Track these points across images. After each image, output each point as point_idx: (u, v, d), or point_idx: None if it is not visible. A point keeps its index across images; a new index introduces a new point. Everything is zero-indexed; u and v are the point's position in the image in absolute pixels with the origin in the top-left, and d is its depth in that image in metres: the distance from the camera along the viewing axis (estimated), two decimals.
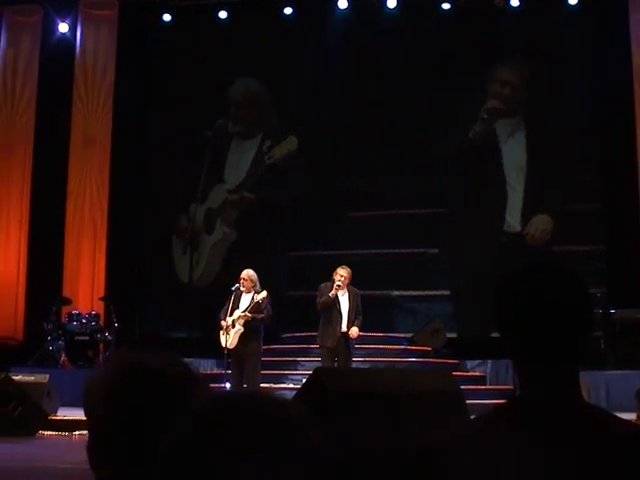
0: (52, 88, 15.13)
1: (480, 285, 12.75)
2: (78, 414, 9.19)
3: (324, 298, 10.13)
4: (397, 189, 14.40)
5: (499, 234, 14.14)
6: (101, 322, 13.69)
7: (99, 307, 14.17)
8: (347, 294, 10.18)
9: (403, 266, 14.19)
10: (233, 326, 9.89)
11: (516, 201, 14.23)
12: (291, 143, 15.01)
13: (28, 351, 13.46)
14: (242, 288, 10.07)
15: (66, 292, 14.39)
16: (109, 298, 14.18)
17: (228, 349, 9.93)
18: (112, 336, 13.32)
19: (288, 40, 15.02)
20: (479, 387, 11.98)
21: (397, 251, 14.32)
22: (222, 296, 10.46)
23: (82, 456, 1.42)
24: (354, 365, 10.58)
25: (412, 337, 13.15)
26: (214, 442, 0.96)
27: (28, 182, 15.12)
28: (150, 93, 15.75)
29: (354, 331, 10.10)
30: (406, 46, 14.61)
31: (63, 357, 13.20)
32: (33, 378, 10.54)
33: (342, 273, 10.14)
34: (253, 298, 9.94)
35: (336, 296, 10.09)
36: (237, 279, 10.20)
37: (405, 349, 12.89)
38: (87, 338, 13.36)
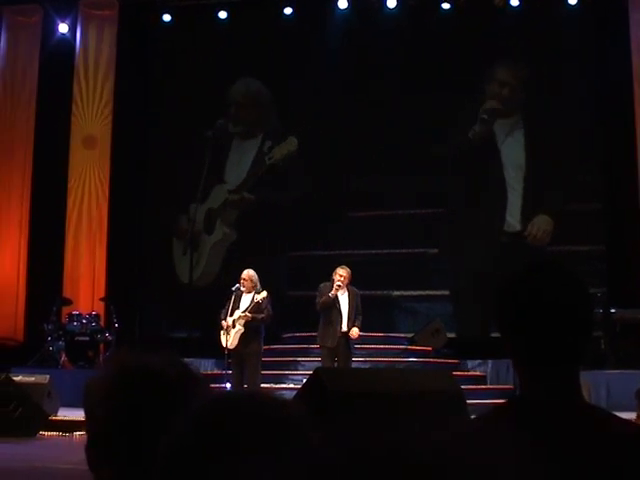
0: (52, 88, 15.13)
1: (480, 285, 12.75)
2: (78, 414, 9.18)
3: (324, 298, 10.13)
4: (397, 189, 14.39)
5: (499, 234, 14.14)
6: (101, 322, 13.69)
7: (99, 307, 14.17)
8: (347, 294, 10.18)
9: (403, 266, 14.19)
10: (233, 326, 9.89)
11: (516, 201, 14.23)
12: (291, 144, 15.01)
13: (28, 352, 13.46)
14: (242, 288, 10.07)
15: (66, 292, 14.39)
16: (109, 298, 14.19)
17: (228, 349, 9.93)
18: (112, 336, 13.32)
19: (288, 40, 15.02)
20: (479, 387, 11.98)
21: (397, 251, 14.33)
22: (222, 296, 10.46)
23: (82, 456, 1.42)
24: (354, 365, 10.59)
25: (412, 337, 13.15)
26: (214, 442, 0.96)
27: (28, 182, 15.13)
28: (150, 93, 15.75)
29: (355, 332, 10.10)
30: (406, 46, 14.60)
31: (63, 357, 13.20)
32: (33, 379, 10.54)
33: (342, 273, 10.14)
34: (253, 298, 9.93)
35: (336, 296, 10.09)
36: (237, 279, 10.20)
37: (405, 349, 12.89)
38: (87, 338, 13.36)
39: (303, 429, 0.98)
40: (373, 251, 14.31)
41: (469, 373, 12.64)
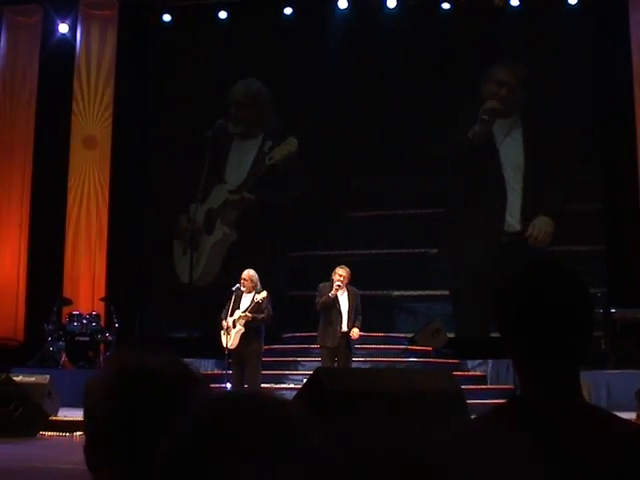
0: (52, 88, 15.13)
1: (480, 285, 12.75)
2: (79, 415, 9.17)
3: (324, 298, 10.12)
4: (397, 189, 14.39)
5: (499, 234, 14.14)
6: (102, 322, 13.69)
7: (99, 307, 14.17)
8: (346, 294, 10.18)
9: (403, 266, 14.19)
10: (234, 326, 9.89)
11: (515, 201, 14.24)
12: (291, 144, 15.01)
13: (29, 352, 13.46)
14: (242, 288, 10.06)
15: (66, 292, 14.39)
16: (109, 298, 14.19)
17: (229, 349, 9.93)
18: (113, 336, 13.32)
19: (288, 40, 15.02)
20: (480, 387, 11.98)
21: (397, 251, 14.33)
22: (222, 296, 10.46)
23: (82, 457, 1.42)
24: (354, 365, 10.58)
25: (413, 337, 13.15)
26: (214, 442, 0.96)
27: (28, 182, 15.13)
28: (150, 93, 15.75)
29: (355, 332, 10.09)
30: (406, 46, 14.60)
31: (64, 358, 13.21)
32: (34, 379, 10.54)
33: (341, 273, 10.14)
34: (253, 298, 9.93)
35: (336, 296, 10.09)
36: (237, 279, 10.20)
37: (406, 349, 12.90)
38: (88, 339, 13.36)
39: (303, 429, 0.98)
40: (373, 251, 14.31)
41: (469, 373, 12.64)
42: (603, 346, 12.03)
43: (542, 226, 13.98)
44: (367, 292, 11.71)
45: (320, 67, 14.70)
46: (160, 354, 1.42)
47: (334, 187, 14.66)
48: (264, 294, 9.91)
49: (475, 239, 14.03)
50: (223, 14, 15.34)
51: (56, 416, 10.36)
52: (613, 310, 12.28)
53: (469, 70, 14.39)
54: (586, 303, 1.55)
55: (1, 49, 15.55)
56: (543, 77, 14.33)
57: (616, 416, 1.53)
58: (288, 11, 15.08)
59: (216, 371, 11.94)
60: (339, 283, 10.07)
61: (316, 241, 14.55)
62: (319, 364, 10.04)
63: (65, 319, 13.68)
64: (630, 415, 8.69)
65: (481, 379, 12.52)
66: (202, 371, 10.80)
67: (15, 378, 10.35)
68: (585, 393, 1.56)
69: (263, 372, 10.31)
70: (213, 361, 12.55)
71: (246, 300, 10.02)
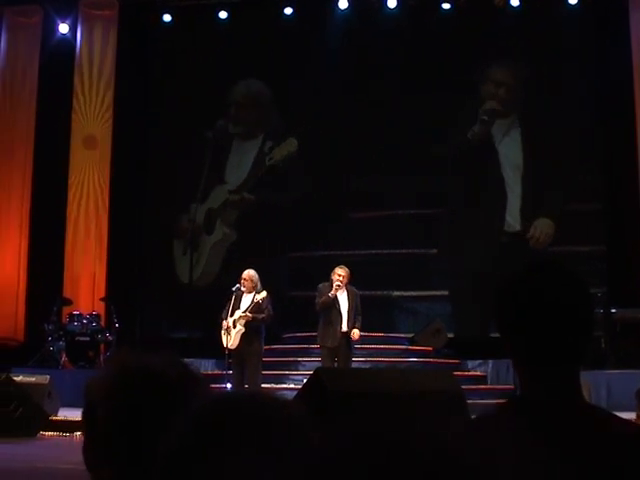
0: (52, 88, 15.13)
1: (480, 285, 12.74)
2: (79, 415, 9.16)
3: (324, 298, 10.12)
4: (397, 189, 14.39)
5: (499, 234, 14.14)
6: (102, 322, 13.69)
7: (100, 307, 14.16)
8: (346, 294, 10.17)
9: (403, 266, 14.18)
10: (234, 326, 9.89)
11: (515, 201, 14.24)
12: (291, 145, 15.01)
13: (29, 352, 13.45)
14: (243, 288, 10.06)
15: (67, 292, 14.39)
16: (110, 298, 14.18)
17: (229, 349, 9.93)
18: (113, 336, 13.32)
19: (288, 40, 15.02)
20: (480, 387, 11.98)
21: (397, 251, 14.32)
22: (222, 296, 10.45)
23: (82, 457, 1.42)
24: (354, 365, 10.58)
25: (413, 337, 13.15)
26: (214, 442, 0.96)
27: (28, 182, 15.13)
28: (150, 93, 15.75)
29: (356, 333, 10.09)
30: (406, 46, 14.60)
31: (64, 358, 13.20)
32: (34, 379, 10.54)
33: (340, 273, 10.13)
34: (254, 298, 9.93)
35: (335, 296, 10.08)
36: (237, 279, 10.19)
37: (406, 349, 12.89)
38: (88, 339, 13.35)
39: (303, 429, 0.98)
40: (373, 251, 14.30)
41: (469, 373, 12.64)
42: (603, 346, 12.03)
43: (543, 228, 13.98)
44: (367, 292, 11.71)
45: (320, 67, 14.69)
46: (160, 354, 1.42)
47: (334, 187, 14.66)
48: (264, 294, 9.91)
49: (475, 239, 14.03)
50: (223, 14, 15.34)
51: (56, 416, 10.36)
52: (613, 310, 12.28)
53: (469, 70, 14.39)
54: (586, 303, 1.55)
55: (1, 49, 15.55)
56: (543, 77, 14.33)
57: (616, 416, 1.53)
58: (288, 11, 15.08)
59: (216, 371, 11.93)
60: (339, 283, 10.06)
61: (316, 241, 14.54)
62: (319, 364, 10.04)
63: (65, 319, 13.68)
64: (630, 415, 8.69)
65: (481, 379, 12.52)
66: (202, 371, 10.79)
67: (15, 378, 10.35)
68: (585, 393, 1.56)
69: (263, 372, 10.31)
70: (213, 361, 12.54)
71: (246, 300, 10.01)
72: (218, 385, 9.82)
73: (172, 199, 15.13)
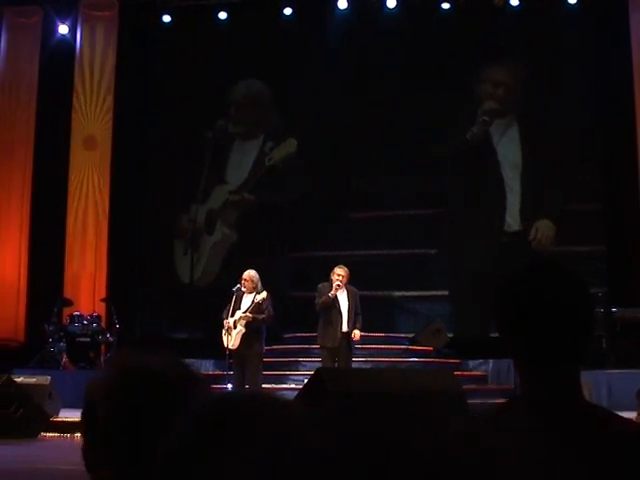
0: (52, 89, 15.14)
1: (480, 285, 12.74)
2: (80, 416, 9.17)
3: (324, 298, 10.11)
4: (397, 189, 14.39)
5: (499, 234, 14.14)
6: (102, 323, 13.68)
7: (100, 308, 14.16)
8: (346, 293, 10.17)
9: (404, 266, 14.18)
10: (235, 327, 9.89)
11: (514, 200, 14.24)
12: (290, 145, 15.01)
13: (29, 353, 13.45)
14: (243, 289, 10.06)
15: (67, 293, 14.39)
16: (110, 299, 14.18)
17: (230, 350, 9.93)
18: (113, 337, 13.31)
19: (288, 40, 15.02)
20: (480, 387, 11.98)
21: (397, 252, 14.32)
22: (223, 297, 10.45)
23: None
24: (355, 365, 10.58)
25: (413, 337, 13.15)
26: (214, 442, 0.96)
27: (29, 183, 15.13)
28: (150, 94, 15.74)
29: (357, 334, 10.09)
30: (406, 46, 14.60)
31: (64, 358, 13.20)
32: (35, 380, 10.54)
33: (340, 272, 10.13)
34: (254, 299, 9.93)
35: (335, 296, 10.08)
36: (238, 280, 10.19)
37: (406, 349, 12.89)
38: (88, 339, 13.35)
39: (304, 429, 0.98)
40: (374, 252, 14.30)
41: (470, 373, 12.64)
42: (604, 345, 12.03)
43: (545, 230, 13.98)
44: (368, 293, 11.71)
45: (320, 67, 14.69)
46: (160, 355, 1.42)
47: (334, 187, 14.65)
48: (264, 294, 9.91)
49: (475, 239, 14.03)
50: (223, 14, 15.34)
51: (57, 417, 10.36)
52: (614, 310, 12.28)
53: (469, 70, 14.40)
54: (586, 303, 1.55)
55: (1, 50, 15.55)
56: (543, 77, 14.33)
57: (617, 415, 1.53)
58: (288, 11, 15.08)
59: (217, 372, 11.93)
60: (338, 283, 10.06)
61: (316, 242, 14.54)
62: (320, 364, 10.04)
63: (66, 320, 13.68)
64: (631, 414, 8.69)
65: (482, 379, 12.52)
66: (203, 372, 10.80)
67: (16, 379, 10.35)
68: (586, 393, 1.56)
69: (264, 372, 10.31)
70: (214, 362, 12.53)
71: (247, 300, 10.01)
72: (219, 385, 9.83)
73: (172, 199, 15.13)
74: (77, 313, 13.68)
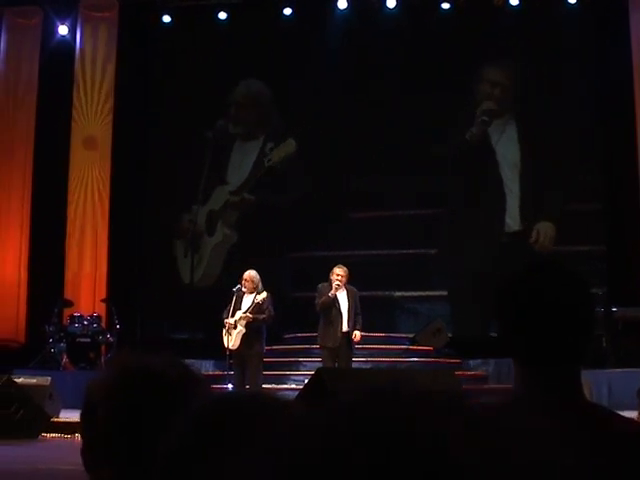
0: (52, 89, 15.14)
1: (481, 285, 12.74)
2: (79, 416, 9.16)
3: (323, 298, 10.11)
4: (397, 189, 14.39)
5: (499, 234, 14.14)
6: (103, 324, 13.68)
7: (101, 309, 14.16)
8: (345, 293, 10.16)
9: (404, 267, 14.18)
10: (235, 327, 9.89)
11: (513, 200, 14.24)
12: (289, 146, 15.01)
13: (30, 353, 13.45)
14: (243, 289, 10.06)
15: (67, 294, 14.39)
16: (110, 300, 14.18)
17: (230, 350, 9.93)
18: (114, 338, 13.31)
19: (288, 41, 15.01)
20: (481, 387, 11.97)
21: (398, 252, 14.31)
22: (223, 297, 10.45)
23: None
24: (355, 365, 10.58)
25: (414, 337, 13.14)
26: (214, 442, 0.96)
27: (29, 183, 15.12)
28: (150, 94, 15.74)
29: (357, 335, 10.09)
30: (406, 46, 14.60)
31: (65, 359, 13.20)
32: (35, 380, 10.54)
33: (339, 272, 10.13)
34: (254, 299, 9.93)
35: (335, 296, 10.08)
36: (238, 280, 10.19)
37: (407, 349, 12.89)
38: (89, 340, 13.35)
39: (304, 429, 0.98)
40: (374, 252, 14.29)
41: (470, 373, 12.63)
42: (604, 345, 12.03)
43: (547, 231, 13.97)
44: (368, 293, 11.71)
45: (320, 67, 14.69)
46: (161, 355, 1.42)
47: (334, 187, 14.65)
48: (264, 295, 9.91)
49: (475, 239, 14.03)
50: (223, 15, 15.33)
51: (57, 418, 10.36)
52: (614, 309, 12.28)
53: (469, 70, 14.40)
54: (586, 303, 1.55)
55: (1, 51, 15.55)
56: (543, 77, 14.33)
57: (618, 415, 1.53)
58: (288, 11, 15.07)
59: (217, 372, 11.93)
60: (338, 283, 10.06)
61: (317, 242, 14.53)
62: (320, 364, 10.04)
63: (66, 320, 13.68)
64: (632, 414, 8.69)
65: (482, 379, 12.52)
66: (203, 372, 10.80)
67: (16, 380, 10.35)
68: (586, 392, 1.56)
69: (264, 373, 10.31)
70: (214, 362, 12.52)
71: (247, 301, 10.01)
72: (219, 385, 9.82)
73: (172, 199, 15.13)
74: (77, 314, 13.68)
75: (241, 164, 15.34)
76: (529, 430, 1.43)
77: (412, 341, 13.08)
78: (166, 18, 15.59)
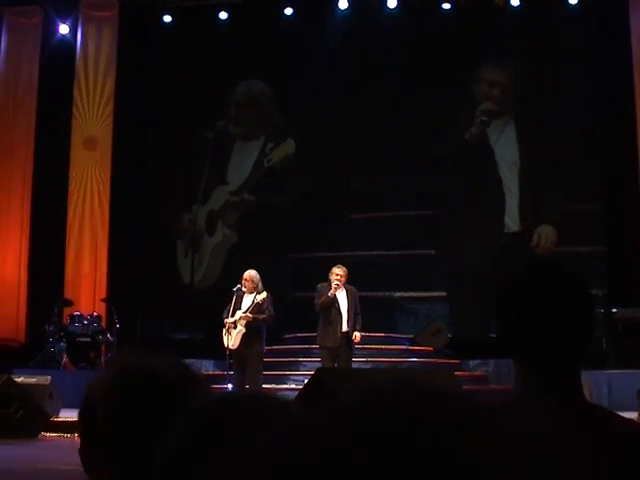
0: (53, 89, 15.14)
1: (481, 285, 12.73)
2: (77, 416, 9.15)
3: (323, 298, 10.11)
4: (397, 189, 14.39)
5: (499, 234, 14.14)
6: (103, 323, 13.68)
7: (101, 308, 14.16)
8: (345, 293, 10.16)
9: (405, 267, 14.18)
10: (235, 327, 9.89)
11: (513, 201, 14.24)
12: (289, 146, 15.01)
13: (30, 353, 13.45)
14: (243, 289, 10.06)
15: (67, 293, 14.39)
16: (110, 299, 14.18)
17: (230, 349, 9.93)
18: (114, 337, 13.31)
19: (288, 41, 15.02)
20: (481, 387, 11.97)
21: (398, 252, 14.31)
22: (223, 297, 10.45)
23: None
24: (355, 365, 10.57)
25: (414, 337, 13.14)
26: (214, 442, 0.96)
27: (29, 183, 15.13)
28: (151, 94, 15.75)
29: (357, 336, 10.09)
30: (406, 46, 14.60)
31: (65, 358, 13.20)
32: (35, 380, 10.54)
33: (338, 272, 10.12)
34: (254, 299, 9.93)
35: (335, 295, 10.08)
36: (238, 280, 10.19)
37: (407, 349, 12.89)
38: (89, 339, 13.35)
39: (304, 429, 0.98)
40: (374, 252, 14.29)
41: (470, 373, 12.63)
42: (604, 345, 12.03)
43: (548, 235, 13.96)
44: (368, 293, 11.70)
45: (320, 67, 14.69)
46: (161, 355, 1.42)
47: (334, 187, 14.65)
48: (264, 295, 9.91)
49: (475, 239, 14.02)
50: (223, 15, 15.34)
51: (57, 417, 10.36)
52: (614, 310, 12.28)
53: (469, 70, 14.40)
54: (586, 303, 1.55)
55: (2, 50, 15.55)
56: (543, 77, 14.33)
57: (618, 415, 1.53)
58: (289, 11, 15.08)
59: (217, 372, 11.93)
60: (337, 282, 10.05)
61: (317, 242, 14.53)
62: (320, 364, 10.03)
63: (66, 320, 13.68)
64: (632, 415, 8.69)
65: (482, 379, 12.51)
66: (203, 372, 10.79)
67: (16, 379, 10.35)
68: (586, 393, 1.56)
69: (264, 372, 10.30)
70: (214, 362, 12.52)
71: (247, 301, 10.01)
72: (219, 385, 9.82)
73: (172, 199, 15.13)
74: (77, 313, 13.68)
75: (241, 164, 15.34)
76: (529, 430, 1.43)
77: (412, 341, 13.08)
78: (167, 18, 15.59)
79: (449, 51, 14.40)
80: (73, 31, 15.45)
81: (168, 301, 14.82)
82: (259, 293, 9.94)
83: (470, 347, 12.77)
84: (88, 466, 1.41)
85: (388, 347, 12.71)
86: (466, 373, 12.41)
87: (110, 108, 15.18)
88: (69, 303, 14.04)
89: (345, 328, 10.03)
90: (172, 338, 14.39)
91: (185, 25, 15.56)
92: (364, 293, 10.80)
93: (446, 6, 14.64)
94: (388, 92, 14.46)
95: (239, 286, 10.08)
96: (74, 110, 15.14)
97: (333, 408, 0.74)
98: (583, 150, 14.05)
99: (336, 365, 10.01)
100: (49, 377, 10.67)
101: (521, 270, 1.57)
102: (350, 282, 10.30)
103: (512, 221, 14.19)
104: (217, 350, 10.52)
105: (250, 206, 15.10)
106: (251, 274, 10.07)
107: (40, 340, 13.45)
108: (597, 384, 10.90)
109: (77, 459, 1.48)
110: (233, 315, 9.93)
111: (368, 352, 11.91)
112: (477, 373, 12.72)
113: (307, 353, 12.12)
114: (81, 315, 13.63)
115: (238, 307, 9.98)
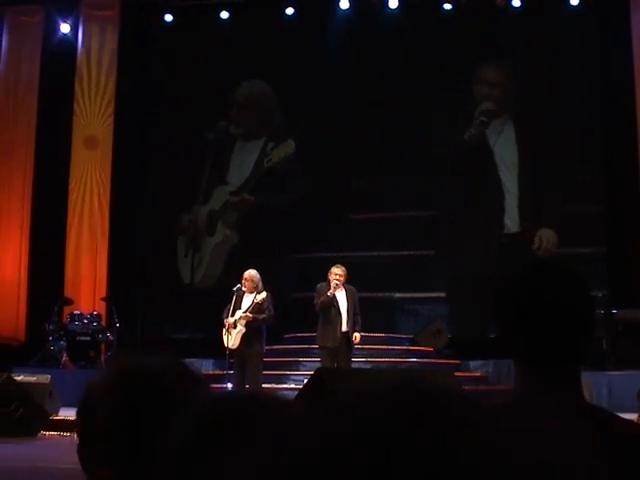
0: (54, 88, 15.14)
1: (480, 286, 12.73)
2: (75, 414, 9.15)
3: (322, 298, 10.10)
4: (397, 189, 14.39)
5: (499, 235, 14.14)
6: (103, 322, 13.69)
7: (101, 307, 14.17)
8: (344, 292, 10.15)
9: (405, 268, 14.17)
10: (235, 326, 9.88)
11: (512, 201, 14.24)
12: (289, 147, 15.01)
13: (30, 351, 13.46)
14: (243, 288, 10.06)
15: (68, 292, 14.39)
16: (111, 298, 14.18)
17: (230, 349, 9.92)
18: (114, 336, 13.32)
19: (289, 40, 15.02)
20: (481, 387, 11.96)
21: (398, 253, 14.31)
22: (223, 297, 10.44)
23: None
24: (355, 365, 10.57)
25: (414, 338, 13.14)
26: (214, 442, 0.96)
27: (29, 182, 15.13)
28: (152, 93, 15.75)
29: (357, 337, 10.08)
30: (407, 46, 14.60)
31: (65, 357, 13.20)
32: (35, 378, 10.55)
33: (338, 272, 10.12)
34: (254, 299, 9.93)
35: (334, 295, 10.07)
36: (239, 280, 10.19)
37: (407, 350, 12.89)
38: (89, 338, 13.36)
39: (304, 429, 0.98)
40: (374, 253, 14.29)
41: (470, 374, 12.63)
42: (604, 346, 12.02)
43: (549, 238, 13.96)
44: (368, 294, 11.70)
45: (321, 67, 14.69)
46: (161, 355, 1.42)
47: (334, 188, 14.65)
48: (264, 294, 9.90)
49: (475, 240, 14.02)
50: (225, 14, 15.34)
51: (57, 416, 10.36)
52: (614, 311, 12.27)
53: (470, 70, 14.40)
54: (586, 303, 1.55)
55: (3, 49, 15.56)
56: (543, 77, 14.32)
57: (617, 416, 1.53)
58: (290, 11, 15.08)
59: (217, 372, 11.93)
60: (337, 282, 10.05)
61: (317, 243, 14.52)
62: (320, 364, 10.03)
63: (66, 319, 13.68)
64: (632, 416, 8.68)
65: (482, 380, 12.51)
66: (203, 372, 10.78)
67: (16, 378, 10.36)
68: (586, 393, 1.56)
69: (264, 372, 10.30)
70: (214, 362, 12.52)
71: (247, 300, 10.01)
72: (219, 385, 9.82)
73: (173, 199, 15.14)
74: (77, 312, 13.69)
75: (242, 164, 15.34)
76: (529, 430, 1.43)
77: (412, 342, 13.08)
78: (168, 17, 15.60)
79: (449, 51, 14.40)
80: (74, 30, 15.45)
81: (168, 301, 14.82)
82: (259, 293, 9.94)
83: (470, 347, 12.76)
84: (86, 465, 1.41)
85: (388, 347, 12.71)
86: (466, 373, 12.41)
87: (111, 107, 15.18)
88: (69, 302, 14.04)
89: (345, 328, 10.03)
90: (172, 338, 14.39)
91: (186, 25, 15.56)
92: (364, 293, 10.79)
93: (447, 6, 14.64)
94: (388, 92, 14.46)
95: (239, 286, 10.07)
96: (75, 109, 15.14)
97: (333, 408, 0.74)
98: (583, 151, 14.05)
99: (336, 365, 10.01)
100: (49, 376, 10.68)
101: (521, 270, 1.57)
102: (350, 282, 10.29)
103: (512, 222, 14.19)
104: (217, 350, 10.51)
105: (250, 206, 15.09)
106: (251, 274, 10.07)
107: (40, 339, 13.45)
108: (597, 385, 10.90)
109: (76, 458, 1.48)
110: (233, 315, 9.92)
111: (368, 352, 11.90)
112: (477, 373, 12.71)
113: (307, 353, 12.11)
114: (81, 314, 13.64)
115: (238, 307, 9.98)
